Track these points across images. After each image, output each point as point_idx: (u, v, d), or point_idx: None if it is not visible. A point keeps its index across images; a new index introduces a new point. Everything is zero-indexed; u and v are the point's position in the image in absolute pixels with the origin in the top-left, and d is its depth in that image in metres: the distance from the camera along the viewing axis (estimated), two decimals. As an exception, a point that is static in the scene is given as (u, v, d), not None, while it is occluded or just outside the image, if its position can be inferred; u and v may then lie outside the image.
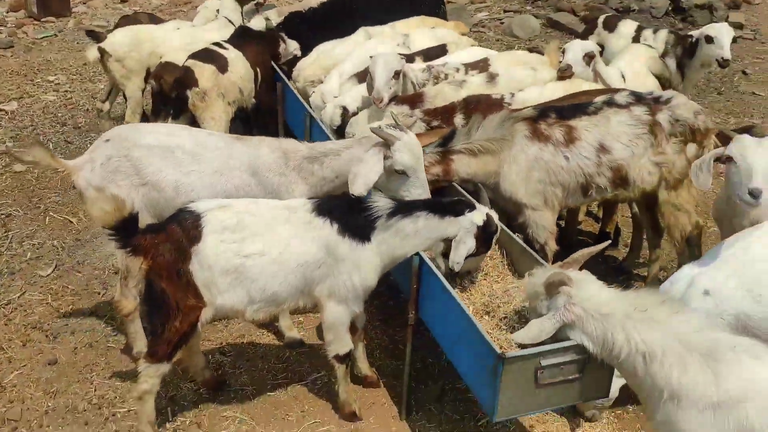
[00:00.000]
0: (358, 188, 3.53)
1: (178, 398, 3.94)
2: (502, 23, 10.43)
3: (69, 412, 3.85)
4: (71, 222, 5.64)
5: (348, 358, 3.68)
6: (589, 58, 4.98)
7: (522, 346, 2.94)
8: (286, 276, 3.37)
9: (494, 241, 3.50)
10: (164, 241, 3.28)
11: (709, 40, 5.80)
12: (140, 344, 4.08)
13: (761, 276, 3.27)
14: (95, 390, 4.00)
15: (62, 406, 3.88)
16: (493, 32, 10.07)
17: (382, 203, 3.41)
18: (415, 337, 3.72)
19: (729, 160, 3.42)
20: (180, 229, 3.29)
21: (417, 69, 5.05)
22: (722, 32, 5.80)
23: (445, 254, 3.43)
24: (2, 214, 5.72)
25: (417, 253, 3.41)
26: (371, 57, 4.86)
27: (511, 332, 3.17)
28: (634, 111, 4.05)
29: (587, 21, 7.56)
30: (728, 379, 2.65)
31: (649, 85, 5.23)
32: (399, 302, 4.66)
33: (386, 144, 3.61)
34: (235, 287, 3.34)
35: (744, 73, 8.47)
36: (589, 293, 2.84)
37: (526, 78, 4.91)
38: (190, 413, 3.84)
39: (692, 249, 4.42)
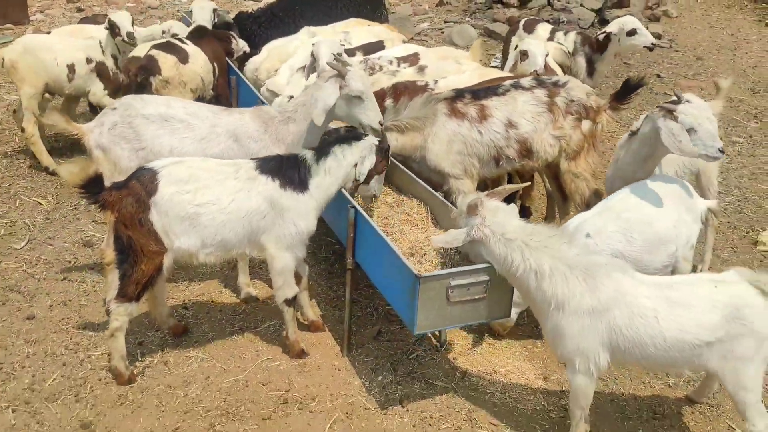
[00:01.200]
0: (318, 112, 4.20)
1: (146, 343, 4.47)
2: (443, 33, 11.19)
3: (48, 356, 4.34)
4: (40, 204, 6.11)
5: (294, 302, 4.27)
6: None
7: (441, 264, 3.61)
8: (234, 224, 3.94)
9: (389, 155, 4.28)
10: (127, 195, 3.83)
11: (632, 33, 6.63)
12: (111, 294, 4.59)
13: (633, 222, 4.00)
14: (71, 338, 4.50)
15: (41, 352, 4.37)
16: (434, 40, 10.81)
17: (307, 154, 4.04)
18: (354, 289, 4.35)
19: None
20: (139, 184, 3.85)
21: (355, 60, 5.70)
22: (638, 23, 6.71)
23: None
24: (-26, 197, 6.16)
25: (352, 206, 4.04)
26: (313, 44, 5.48)
27: (428, 265, 3.83)
28: (536, 93, 4.76)
29: (511, 24, 8.39)
30: (601, 290, 3.34)
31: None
32: (341, 264, 5.27)
33: (340, 75, 4.22)
34: (189, 232, 3.89)
35: (658, 76, 9.36)
36: (498, 219, 3.49)
37: (451, 70, 5.60)
38: (157, 355, 4.38)
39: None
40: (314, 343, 4.51)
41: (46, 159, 6.56)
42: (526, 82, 4.76)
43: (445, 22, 11.80)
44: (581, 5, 11.63)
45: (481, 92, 4.71)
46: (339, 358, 4.40)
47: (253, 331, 4.63)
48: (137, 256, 3.86)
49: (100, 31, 6.76)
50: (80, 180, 3.72)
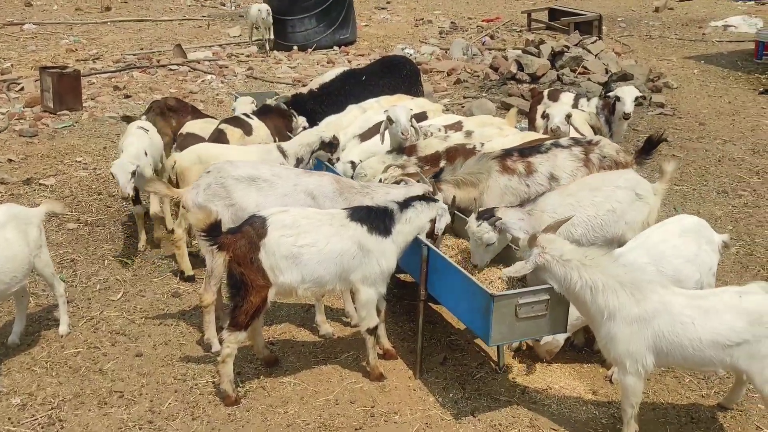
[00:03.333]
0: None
1: (244, 373, 5.14)
2: (463, 107, 12.17)
3: (160, 385, 5.01)
4: (127, 263, 6.87)
5: (375, 331, 4.98)
6: (568, 117, 6.63)
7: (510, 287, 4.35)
8: (328, 263, 4.69)
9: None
10: (241, 238, 4.60)
11: (618, 99, 7.65)
12: (211, 331, 5.31)
13: (662, 255, 4.75)
14: (178, 370, 5.18)
15: (154, 382, 5.05)
16: (456, 113, 11.77)
17: (391, 205, 4.82)
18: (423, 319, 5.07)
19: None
20: (251, 229, 4.63)
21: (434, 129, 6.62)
22: (626, 93, 7.67)
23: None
24: (67, 260, 6.91)
25: (425, 245, 4.79)
26: (386, 111, 6.38)
27: (494, 290, 4.55)
28: (573, 150, 5.60)
29: (534, 95, 9.33)
30: (646, 302, 4.06)
31: (586, 133, 6.93)
32: (403, 305, 5.98)
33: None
34: (291, 269, 4.64)
35: (665, 140, 10.24)
36: (555, 246, 4.25)
37: (494, 134, 6.47)
38: (255, 381, 5.04)
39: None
40: (389, 369, 5.17)
41: (185, 264, 6.38)
42: (564, 141, 5.60)
43: (464, 97, 12.81)
44: (589, 79, 12.66)
45: (526, 150, 5.54)
46: (413, 380, 5.06)
47: (334, 360, 5.30)
48: (247, 289, 4.60)
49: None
50: (204, 225, 4.50)
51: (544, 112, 7.09)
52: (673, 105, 12.13)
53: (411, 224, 4.80)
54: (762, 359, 4.00)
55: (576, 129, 6.79)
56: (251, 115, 7.31)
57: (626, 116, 7.63)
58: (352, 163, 6.54)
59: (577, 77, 12.90)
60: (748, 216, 7.81)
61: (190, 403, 4.81)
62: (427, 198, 4.91)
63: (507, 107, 12.07)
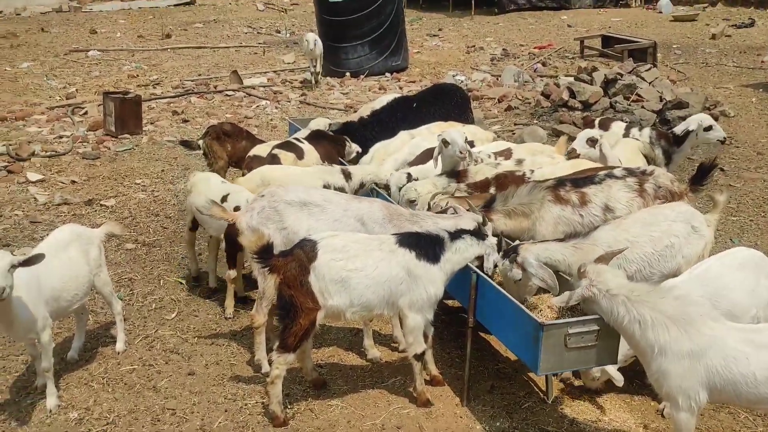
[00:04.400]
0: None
1: (292, 395, 5.21)
2: (514, 134, 12.18)
3: (211, 404, 5.12)
4: (182, 283, 7.04)
5: (423, 357, 5.00)
6: (592, 142, 6.60)
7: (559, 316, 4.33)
8: (377, 288, 4.74)
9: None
10: (291, 261, 4.70)
11: (708, 128, 7.60)
12: (261, 353, 5.40)
13: (717, 288, 4.66)
14: (228, 390, 5.28)
15: (205, 401, 5.16)
16: (506, 140, 11.78)
17: (443, 234, 4.86)
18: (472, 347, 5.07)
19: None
20: (302, 252, 4.72)
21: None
22: (712, 120, 7.69)
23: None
24: (125, 279, 7.13)
25: (474, 271, 4.81)
26: (439, 135, 6.47)
27: (543, 319, 4.54)
28: (627, 181, 5.56)
29: (586, 123, 9.30)
30: (697, 335, 4.00)
31: (639, 162, 6.87)
32: (450, 331, 5.98)
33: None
34: (340, 293, 4.70)
35: (722, 169, 10.05)
36: (603, 278, 4.22)
37: (546, 162, 6.47)
38: (303, 403, 5.11)
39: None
40: (436, 396, 5.17)
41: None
42: (618, 172, 5.57)
43: (515, 124, 12.81)
44: (642, 107, 12.52)
45: (580, 181, 5.52)
46: (459, 407, 5.05)
47: (382, 385, 5.33)
48: (297, 312, 4.68)
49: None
50: (256, 247, 4.61)
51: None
52: (730, 134, 11.86)
53: (460, 254, 4.83)
54: (819, 398, 3.89)
55: (605, 158, 6.71)
56: (302, 140, 7.46)
57: (724, 141, 7.73)
58: (409, 175, 6.59)
59: (630, 105, 12.77)
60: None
61: (239, 423, 4.90)
62: (478, 234, 4.93)
63: (558, 134, 12.02)
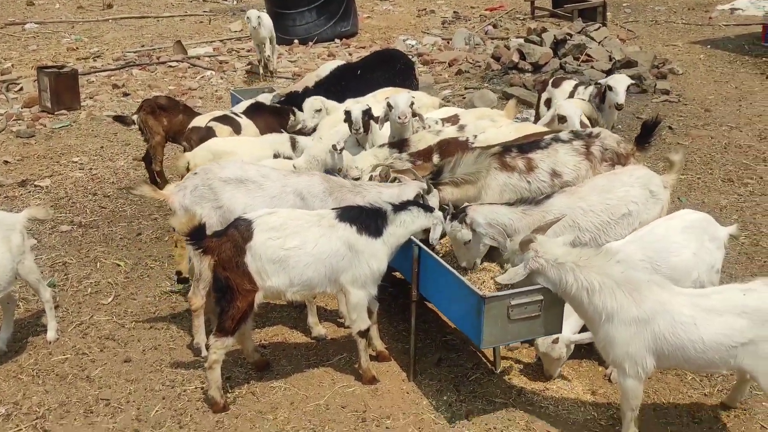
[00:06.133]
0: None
1: (234, 378, 5.02)
2: (464, 98, 11.99)
3: (148, 392, 4.90)
4: (119, 266, 6.76)
5: (367, 333, 4.84)
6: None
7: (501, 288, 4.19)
8: (317, 265, 4.55)
9: None
10: (226, 241, 4.47)
11: (609, 88, 7.38)
12: (200, 336, 5.19)
13: (658, 251, 4.57)
14: (166, 376, 5.06)
15: (142, 388, 4.94)
16: (457, 105, 11.54)
17: (386, 206, 4.67)
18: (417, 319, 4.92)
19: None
20: (237, 232, 4.49)
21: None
22: (618, 81, 7.37)
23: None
24: (59, 263, 6.81)
25: (416, 244, 4.65)
26: (387, 97, 6.30)
27: (487, 291, 4.40)
28: (574, 144, 5.41)
29: (540, 83, 9.30)
30: (644, 302, 3.90)
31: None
32: (397, 304, 5.83)
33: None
34: (279, 273, 4.50)
35: (670, 128, 10.03)
36: (548, 248, 4.09)
37: (487, 127, 6.29)
38: (244, 387, 4.92)
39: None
40: (383, 372, 5.03)
41: (184, 264, 5.82)
42: (564, 135, 5.42)
43: (465, 88, 12.61)
44: (592, 67, 12.43)
45: (525, 146, 5.35)
46: (406, 383, 4.92)
47: (326, 363, 5.17)
48: (234, 294, 4.46)
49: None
50: (187, 229, 4.36)
51: (546, 99, 6.92)
52: (679, 91, 11.89)
53: (404, 228, 4.65)
54: (766, 359, 3.83)
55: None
56: (240, 114, 7.16)
57: (618, 107, 7.39)
58: (369, 113, 6.37)
59: (580, 65, 12.69)
60: (755, 205, 7.61)
61: (177, 411, 4.70)
62: (425, 206, 4.75)
63: (508, 97, 11.87)
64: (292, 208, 4.99)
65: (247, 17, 13.17)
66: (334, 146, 5.59)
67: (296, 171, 5.48)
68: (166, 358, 5.28)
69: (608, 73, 12.27)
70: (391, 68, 8.61)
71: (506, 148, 5.38)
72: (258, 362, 5.08)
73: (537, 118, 8.26)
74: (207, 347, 4.69)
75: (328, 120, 7.16)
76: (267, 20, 13.29)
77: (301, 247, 4.49)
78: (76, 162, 9.71)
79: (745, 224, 7.15)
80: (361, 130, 6.21)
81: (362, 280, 4.63)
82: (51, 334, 5.50)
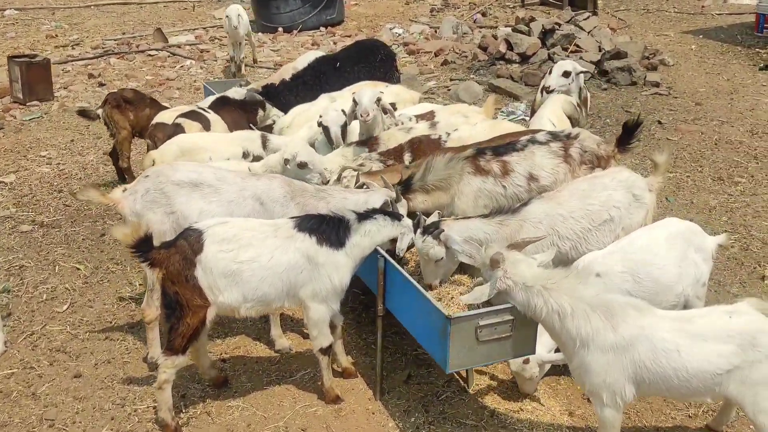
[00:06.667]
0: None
1: (189, 395, 4.71)
2: (449, 90, 11.64)
3: (96, 411, 4.59)
4: (78, 269, 6.41)
5: (330, 351, 4.52)
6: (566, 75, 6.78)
7: (468, 307, 3.87)
8: (273, 279, 4.22)
9: None
10: (174, 253, 4.14)
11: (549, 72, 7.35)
12: (155, 350, 4.87)
13: (639, 263, 4.27)
14: (117, 393, 4.75)
15: (90, 407, 4.62)
16: (441, 98, 11.23)
17: (348, 215, 4.35)
18: (384, 336, 4.60)
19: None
20: (186, 243, 4.16)
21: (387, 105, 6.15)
22: (555, 67, 7.31)
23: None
24: (16, 266, 6.47)
25: (381, 256, 4.33)
26: (353, 93, 5.94)
27: (455, 308, 4.09)
28: (551, 146, 5.08)
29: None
30: (622, 327, 3.59)
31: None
32: (369, 313, 5.52)
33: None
34: (231, 288, 4.17)
35: (659, 122, 9.71)
36: (518, 270, 3.76)
37: (459, 124, 5.97)
38: (199, 406, 4.61)
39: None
40: (348, 389, 4.73)
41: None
42: (541, 136, 5.09)
43: (451, 80, 12.26)
44: (581, 58, 12.07)
45: (500, 149, 5.03)
46: (372, 402, 4.62)
47: (289, 380, 4.86)
48: (183, 310, 4.14)
49: None
50: (132, 240, 4.03)
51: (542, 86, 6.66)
52: (669, 83, 11.56)
53: (369, 238, 4.33)
54: (754, 386, 3.54)
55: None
56: (208, 110, 6.81)
57: (547, 90, 7.16)
58: (344, 111, 6.16)
59: (568, 56, 12.31)
60: (745, 206, 7.30)
61: (126, 433, 4.39)
62: (392, 214, 4.43)
63: (495, 90, 11.55)
64: (248, 216, 4.67)
65: (227, 16, 12.13)
66: (285, 159, 5.24)
67: (255, 174, 5.13)
68: (119, 372, 4.97)
69: (597, 64, 11.96)
70: (371, 60, 8.28)
71: (480, 150, 5.06)
72: (215, 379, 4.76)
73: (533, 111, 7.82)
74: (154, 367, 4.37)
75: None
76: (246, 18, 12.52)
77: (255, 260, 4.16)
78: (44, 156, 9.34)
79: (735, 226, 6.85)
80: (340, 142, 5.91)
81: (323, 294, 4.31)
82: (-2, 347, 5.18)
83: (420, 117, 6.31)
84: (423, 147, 5.42)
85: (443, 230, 4.35)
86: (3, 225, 7.27)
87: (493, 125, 5.80)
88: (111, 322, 5.59)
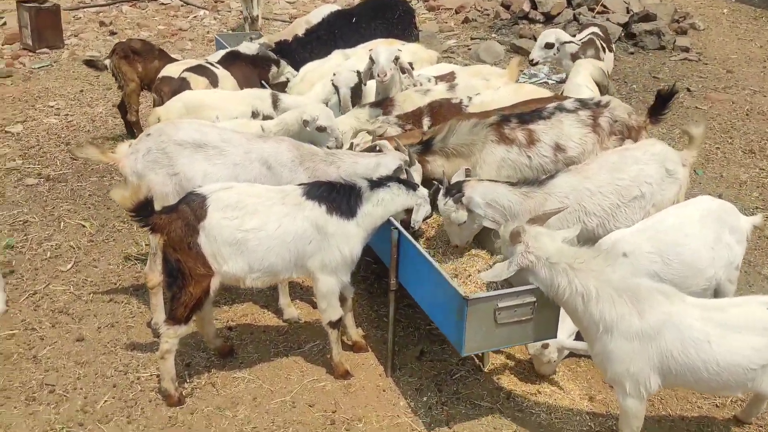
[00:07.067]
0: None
1: (194, 365, 4.55)
2: (470, 49, 11.25)
3: (98, 377, 4.44)
4: (84, 227, 6.23)
5: (339, 324, 4.33)
6: (548, 46, 6.64)
7: (486, 286, 3.65)
8: (281, 249, 4.00)
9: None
10: (176, 219, 3.92)
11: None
12: (159, 316, 4.70)
13: (669, 244, 4.01)
14: (120, 359, 4.59)
15: (92, 373, 4.47)
16: (461, 57, 10.87)
17: (360, 181, 4.11)
18: (397, 310, 4.40)
19: None
20: (189, 209, 3.94)
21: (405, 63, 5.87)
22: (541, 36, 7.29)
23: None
24: (20, 221, 6.29)
25: (395, 228, 4.10)
26: (370, 50, 5.70)
27: (473, 287, 3.87)
28: (580, 114, 4.79)
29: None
30: (649, 314, 3.36)
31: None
32: (381, 283, 5.31)
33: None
34: (236, 257, 3.97)
35: (688, 90, 9.34)
36: (542, 244, 3.53)
37: (480, 86, 5.67)
38: (204, 376, 4.45)
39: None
40: (358, 364, 4.56)
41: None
42: (569, 104, 4.80)
43: (471, 39, 11.85)
44: (608, 20, 11.62)
45: (526, 116, 4.74)
46: (383, 378, 4.45)
47: (297, 351, 4.69)
48: (186, 279, 3.95)
49: None
50: (131, 204, 3.82)
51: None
52: (699, 49, 11.11)
53: (382, 207, 4.09)
54: (789, 382, 3.32)
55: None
56: (216, 64, 6.51)
57: (531, 63, 7.23)
58: (358, 72, 5.91)
59: (595, 17, 11.86)
60: (777, 181, 7.00)
61: (128, 402, 4.24)
62: (407, 183, 4.18)
63: (517, 50, 11.15)
64: (254, 180, 4.45)
65: None
66: (305, 120, 4.98)
67: (264, 135, 4.87)
68: (122, 337, 4.81)
69: (624, 26, 11.51)
70: (389, 16, 7.91)
71: (505, 117, 4.78)
72: (221, 348, 4.60)
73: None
74: (156, 334, 4.19)
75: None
76: None
77: (261, 229, 3.95)
78: (52, 107, 9.10)
79: (766, 202, 6.56)
80: (348, 105, 5.65)
81: (333, 265, 4.10)
82: (-1, 306, 5.03)
83: (439, 78, 5.99)
84: (443, 111, 5.16)
85: (464, 193, 4.11)
86: (8, 177, 7.07)
87: (517, 89, 5.50)
88: (115, 284, 5.42)
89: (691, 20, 12.26)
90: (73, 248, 5.90)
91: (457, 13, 13.31)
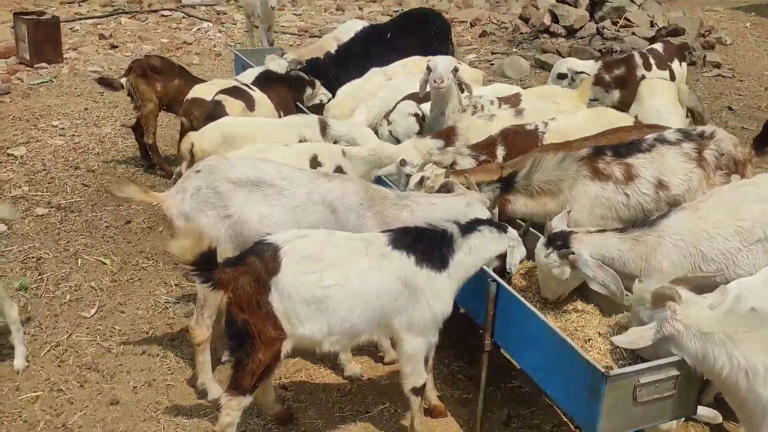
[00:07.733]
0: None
1: (249, 433, 3.97)
2: (492, 64, 10.79)
3: (140, 451, 3.85)
4: (104, 263, 5.63)
5: (423, 390, 3.77)
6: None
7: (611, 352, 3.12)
8: (365, 308, 3.45)
9: None
10: (244, 273, 3.35)
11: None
12: (205, 376, 4.12)
13: None
14: (163, 429, 3.99)
15: (132, 446, 3.88)
16: (485, 73, 10.40)
17: (450, 226, 3.57)
18: (469, 364, 3.86)
19: None
20: (259, 261, 3.37)
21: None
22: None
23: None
24: (32, 258, 5.67)
25: (494, 280, 3.56)
26: (429, 59, 5.35)
27: (596, 354, 3.33)
28: (684, 147, 4.28)
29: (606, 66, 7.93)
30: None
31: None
32: (449, 333, 4.76)
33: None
34: (314, 318, 3.40)
35: (730, 108, 8.92)
36: (692, 311, 3.00)
37: (550, 110, 5.16)
38: (263, 447, 3.88)
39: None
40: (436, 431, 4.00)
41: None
42: (671, 135, 4.29)
43: (492, 53, 11.41)
44: (633, 33, 11.23)
45: (623, 148, 4.23)
46: (469, 448, 3.90)
47: (365, 416, 4.11)
48: (254, 343, 3.36)
49: None
50: (193, 256, 3.24)
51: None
52: (730, 65, 10.74)
53: (475, 255, 3.55)
54: None
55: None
56: (252, 86, 5.93)
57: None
58: (417, 116, 5.48)
59: (618, 30, 11.48)
60: None
61: (178, 482, 3.65)
62: (498, 225, 3.65)
63: (542, 66, 10.71)
64: (316, 225, 3.90)
65: None
66: (402, 160, 4.49)
67: (325, 175, 4.29)
68: (163, 399, 4.21)
69: (651, 41, 11.10)
70: (425, 31, 7.41)
71: (598, 149, 4.26)
72: (280, 415, 4.01)
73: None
74: (217, 406, 3.60)
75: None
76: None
77: (344, 285, 3.38)
78: (56, 126, 8.50)
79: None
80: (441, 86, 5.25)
81: (421, 325, 3.54)
82: (19, 362, 4.41)
83: (502, 100, 5.46)
84: (519, 140, 4.64)
85: (572, 249, 3.57)
86: (16, 207, 6.44)
87: (598, 114, 4.99)
88: (147, 333, 4.83)
89: (717, 34, 11.91)
90: (95, 289, 5.30)
91: (472, 26, 12.89)
